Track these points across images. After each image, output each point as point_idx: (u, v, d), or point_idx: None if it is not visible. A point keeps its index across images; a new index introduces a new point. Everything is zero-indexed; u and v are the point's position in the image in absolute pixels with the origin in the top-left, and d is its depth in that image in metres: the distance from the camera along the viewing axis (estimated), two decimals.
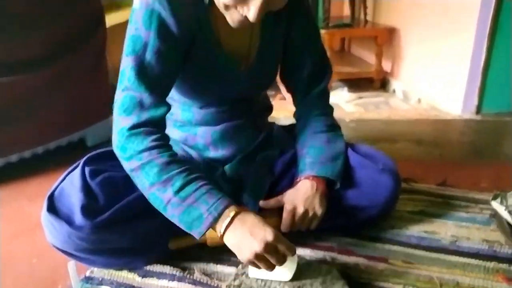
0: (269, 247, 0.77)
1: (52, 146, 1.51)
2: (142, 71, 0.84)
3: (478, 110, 2.19)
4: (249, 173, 1.03)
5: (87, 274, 0.96)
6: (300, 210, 0.91)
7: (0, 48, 1.29)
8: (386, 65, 2.67)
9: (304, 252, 0.99)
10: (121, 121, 0.85)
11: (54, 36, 1.39)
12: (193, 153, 1.03)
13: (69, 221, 0.85)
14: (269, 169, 1.06)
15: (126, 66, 0.85)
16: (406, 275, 0.92)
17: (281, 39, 1.01)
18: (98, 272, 0.96)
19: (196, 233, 0.81)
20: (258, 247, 0.77)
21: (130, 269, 0.96)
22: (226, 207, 0.80)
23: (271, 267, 0.80)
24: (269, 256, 0.78)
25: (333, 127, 1.07)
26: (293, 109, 1.12)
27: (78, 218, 0.85)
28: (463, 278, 0.91)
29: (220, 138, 1.02)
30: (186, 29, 0.86)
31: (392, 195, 1.02)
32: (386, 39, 2.54)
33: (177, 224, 0.82)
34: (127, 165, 0.85)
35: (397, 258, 0.97)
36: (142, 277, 0.94)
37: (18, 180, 1.42)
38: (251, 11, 0.77)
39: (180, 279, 0.93)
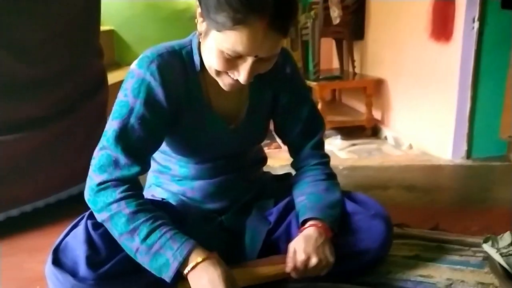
0: None
1: (53, 200, 1.54)
2: (122, 134, 0.90)
3: (468, 155, 2.24)
4: (246, 223, 1.06)
5: None
6: (314, 260, 0.92)
7: (8, 108, 1.36)
8: (376, 114, 2.76)
9: None
10: (94, 177, 0.91)
11: (60, 96, 1.47)
12: (192, 204, 1.07)
13: (73, 273, 0.88)
14: (265, 218, 1.09)
15: (109, 128, 0.91)
16: None
17: (269, 100, 1.07)
18: None
19: (166, 278, 0.85)
20: None
21: None
22: (190, 251, 0.84)
23: None
24: None
25: (330, 176, 1.11)
26: (288, 157, 1.17)
27: (83, 269, 0.87)
28: None
29: (216, 191, 1.06)
30: (175, 97, 0.93)
31: (384, 240, 1.04)
32: (374, 89, 2.65)
33: (150, 270, 0.86)
34: (98, 217, 0.90)
35: None
36: None
37: (18, 235, 1.43)
38: (242, 75, 0.84)
39: None
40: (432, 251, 1.20)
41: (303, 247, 0.93)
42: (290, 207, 1.08)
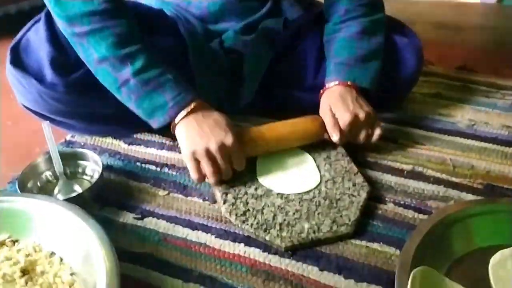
0: (223, 150, 0.67)
1: (13, 10, 1.35)
2: None
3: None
4: (248, 47, 0.88)
5: (68, 138, 0.87)
6: (362, 115, 0.77)
7: None
8: None
9: None
10: None
11: None
12: (190, 18, 0.87)
13: (38, 78, 0.73)
14: (270, 44, 0.90)
15: None
16: (417, 156, 0.84)
17: None
18: (79, 136, 0.87)
19: (155, 123, 0.70)
20: (213, 144, 0.66)
21: (115, 137, 0.87)
22: (193, 99, 0.68)
23: (213, 173, 0.68)
24: (219, 159, 0.67)
25: (371, 9, 0.87)
26: None
27: (49, 73, 0.72)
28: (478, 162, 0.83)
29: (219, 11, 0.87)
30: None
31: (415, 73, 0.93)
32: None
33: (132, 109, 0.70)
34: (65, 27, 0.67)
35: (408, 139, 0.89)
36: (129, 144, 0.86)
37: None
38: None
39: (170, 148, 0.84)
40: (455, 90, 1.08)
41: (340, 104, 0.76)
42: (301, 34, 0.91)
